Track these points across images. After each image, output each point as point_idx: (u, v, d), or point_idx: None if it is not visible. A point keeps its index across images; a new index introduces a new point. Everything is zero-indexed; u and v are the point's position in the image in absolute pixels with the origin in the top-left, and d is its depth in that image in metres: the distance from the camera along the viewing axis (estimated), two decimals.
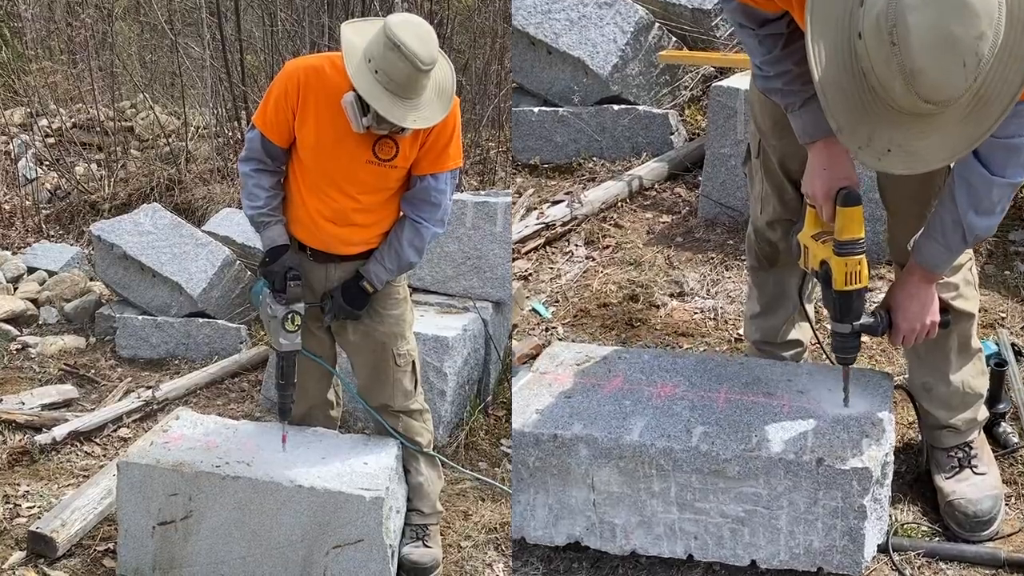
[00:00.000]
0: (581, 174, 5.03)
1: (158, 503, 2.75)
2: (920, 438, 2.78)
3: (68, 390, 4.25)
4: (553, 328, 3.77)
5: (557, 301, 3.98)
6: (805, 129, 2.32)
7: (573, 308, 3.90)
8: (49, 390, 4.23)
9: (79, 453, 3.70)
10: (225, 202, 6.04)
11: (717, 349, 3.53)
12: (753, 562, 2.42)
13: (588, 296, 3.96)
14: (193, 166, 6.77)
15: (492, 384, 4.03)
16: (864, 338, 2.49)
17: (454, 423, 3.76)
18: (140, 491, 2.75)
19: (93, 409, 4.04)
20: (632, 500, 2.44)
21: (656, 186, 4.82)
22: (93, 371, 4.49)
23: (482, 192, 5.09)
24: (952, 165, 2.23)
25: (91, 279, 5.57)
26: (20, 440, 3.71)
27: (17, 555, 3.00)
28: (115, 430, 3.88)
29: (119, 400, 4.12)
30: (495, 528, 3.15)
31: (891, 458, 2.40)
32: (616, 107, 5.15)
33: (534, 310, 3.91)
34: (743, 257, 3.84)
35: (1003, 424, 2.87)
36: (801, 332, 2.99)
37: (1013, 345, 3.25)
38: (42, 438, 3.67)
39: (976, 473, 2.63)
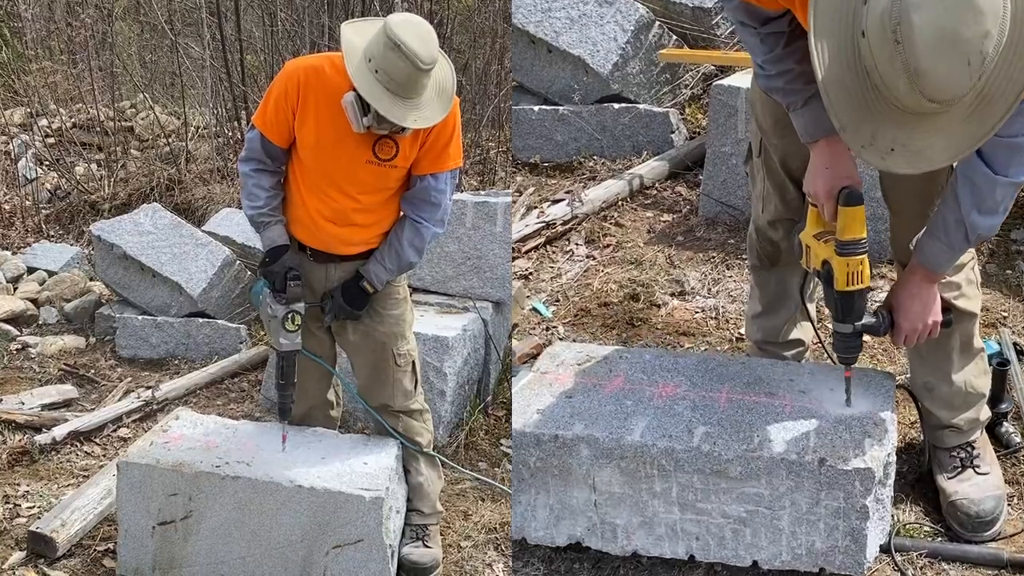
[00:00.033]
0: (582, 173, 5.03)
1: (158, 503, 2.74)
2: (922, 438, 2.77)
3: (68, 390, 4.25)
4: (554, 327, 3.77)
5: (558, 300, 3.97)
6: (807, 128, 2.31)
7: (574, 307, 3.89)
8: (49, 390, 4.23)
9: (79, 453, 3.70)
10: (225, 202, 6.03)
11: (718, 349, 3.53)
12: (755, 563, 2.42)
13: (589, 295, 3.96)
14: (193, 166, 6.77)
15: (492, 384, 4.02)
16: (866, 337, 2.48)
17: (454, 423, 3.76)
18: (140, 491, 2.75)
19: (93, 409, 4.03)
20: (633, 501, 2.43)
21: (657, 185, 4.81)
22: (93, 371, 4.49)
23: (482, 192, 5.09)
24: (955, 164, 2.23)
25: (91, 279, 5.57)
26: (20, 440, 3.71)
27: (17, 555, 3.00)
28: (115, 430, 3.88)
29: (119, 400, 4.11)
30: (495, 528, 3.14)
31: (893, 458, 2.40)
32: (616, 106, 5.15)
33: (535, 309, 3.91)
34: (744, 256, 3.84)
35: (1005, 424, 2.86)
36: (803, 332, 2.98)
37: (1015, 344, 3.24)
38: (42, 438, 3.66)
39: (978, 473, 2.62)
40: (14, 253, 6.09)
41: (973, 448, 2.67)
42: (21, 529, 3.12)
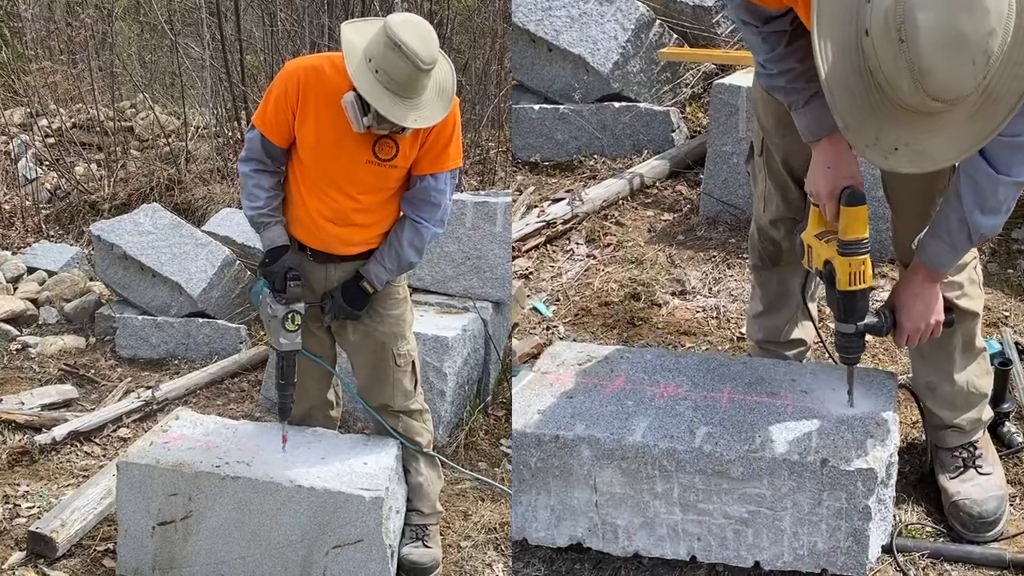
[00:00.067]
0: (582, 172, 5.02)
1: (158, 503, 2.74)
2: (924, 438, 2.77)
3: (68, 390, 4.25)
4: (554, 327, 3.76)
5: (558, 300, 3.97)
6: (809, 127, 2.31)
7: (574, 307, 3.89)
8: (49, 390, 4.22)
9: (79, 453, 3.69)
10: (225, 202, 6.03)
11: (719, 348, 3.52)
12: (757, 563, 2.41)
13: (589, 295, 3.95)
14: (193, 166, 6.77)
15: (492, 384, 4.02)
16: (868, 337, 2.48)
17: (454, 423, 3.75)
18: (140, 491, 2.74)
19: (93, 409, 4.03)
20: (635, 501, 2.43)
21: (657, 184, 4.81)
22: (93, 371, 4.49)
23: (482, 192, 5.08)
24: (958, 163, 2.22)
25: (91, 279, 5.57)
26: (20, 440, 3.71)
27: (17, 555, 2.99)
28: (115, 430, 3.87)
29: (119, 400, 4.11)
30: (495, 528, 3.14)
31: (895, 458, 2.39)
32: (617, 104, 5.14)
33: (535, 309, 3.90)
34: (745, 255, 3.84)
35: (1007, 423, 2.86)
36: (804, 331, 2.98)
37: (1017, 344, 3.24)
38: (42, 438, 3.66)
39: (981, 473, 2.62)
40: (14, 253, 6.09)
41: (975, 448, 2.66)
42: (21, 529, 3.12)
